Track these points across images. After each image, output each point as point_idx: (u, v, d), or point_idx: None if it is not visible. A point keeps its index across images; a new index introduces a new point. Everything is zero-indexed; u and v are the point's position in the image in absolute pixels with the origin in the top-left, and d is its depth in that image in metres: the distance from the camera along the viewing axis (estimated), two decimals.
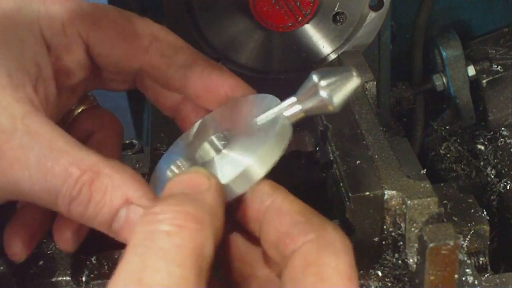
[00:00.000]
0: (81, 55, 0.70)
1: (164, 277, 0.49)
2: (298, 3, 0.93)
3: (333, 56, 1.00)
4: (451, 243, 0.61)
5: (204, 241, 0.52)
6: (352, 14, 0.96)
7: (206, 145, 0.66)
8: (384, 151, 0.73)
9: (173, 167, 0.63)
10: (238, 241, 0.62)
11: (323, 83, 0.59)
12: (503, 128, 1.13)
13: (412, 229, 0.67)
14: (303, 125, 0.91)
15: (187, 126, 0.73)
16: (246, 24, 0.96)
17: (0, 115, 0.59)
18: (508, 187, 1.07)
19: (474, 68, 1.13)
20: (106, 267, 0.77)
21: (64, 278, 0.75)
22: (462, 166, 1.14)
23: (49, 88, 0.67)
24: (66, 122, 0.78)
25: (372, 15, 0.96)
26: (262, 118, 0.63)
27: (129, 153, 1.06)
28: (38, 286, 0.74)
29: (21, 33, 0.65)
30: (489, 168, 1.11)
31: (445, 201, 0.81)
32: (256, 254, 0.61)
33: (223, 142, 0.66)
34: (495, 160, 1.10)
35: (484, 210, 0.81)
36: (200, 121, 0.71)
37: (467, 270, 0.70)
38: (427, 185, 0.67)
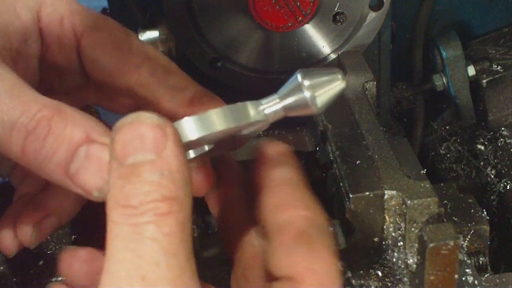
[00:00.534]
0: (71, 52, 0.69)
1: (165, 270, 0.48)
2: (298, 3, 0.93)
3: (333, 56, 1.00)
4: (451, 243, 0.61)
5: (186, 219, 0.50)
6: (352, 14, 0.96)
7: None
8: (384, 151, 0.73)
9: None
10: (239, 207, 0.63)
11: (306, 82, 0.57)
12: (503, 128, 1.13)
13: (412, 229, 0.67)
14: (303, 125, 0.91)
15: None
16: (246, 24, 0.96)
17: None
18: (508, 187, 1.07)
19: (474, 68, 1.13)
20: None
21: (64, 278, 0.75)
22: (462, 166, 1.14)
23: (30, 68, 0.66)
24: None
25: (372, 15, 0.96)
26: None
27: None
28: (38, 286, 0.75)
29: (18, 5, 0.65)
30: (489, 168, 1.11)
31: (445, 201, 0.81)
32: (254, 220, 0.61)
33: None
34: (495, 160, 1.10)
35: (484, 210, 0.81)
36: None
37: (467, 270, 0.70)
38: (427, 185, 0.67)
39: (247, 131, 0.60)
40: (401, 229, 0.68)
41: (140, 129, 0.51)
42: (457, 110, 1.16)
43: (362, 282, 0.70)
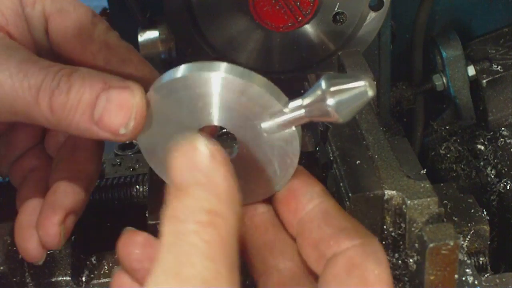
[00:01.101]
0: (42, 34, 0.72)
1: (199, 271, 0.50)
2: (298, 3, 0.93)
3: (333, 56, 1.00)
4: (451, 243, 0.61)
5: (229, 234, 0.53)
6: (352, 14, 0.96)
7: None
8: (384, 151, 0.73)
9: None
10: (269, 228, 0.64)
11: (331, 90, 0.55)
12: (503, 128, 1.13)
13: (412, 229, 0.67)
14: (303, 125, 0.91)
15: None
16: (246, 24, 0.96)
17: None
18: (508, 187, 1.07)
19: (474, 68, 1.13)
20: (106, 267, 0.77)
21: (64, 278, 0.75)
22: (462, 166, 1.14)
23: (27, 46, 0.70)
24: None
25: (372, 15, 0.96)
26: (268, 128, 0.61)
27: (129, 153, 1.06)
28: (38, 286, 0.74)
29: None
30: (489, 168, 1.11)
31: (445, 201, 0.81)
32: (284, 244, 0.62)
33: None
34: (495, 160, 1.10)
35: (484, 210, 0.81)
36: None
37: (467, 270, 0.70)
38: (427, 185, 0.67)
39: (269, 125, 0.61)
40: (401, 229, 0.68)
41: (194, 154, 0.56)
42: (457, 110, 1.16)
43: None
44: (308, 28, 0.97)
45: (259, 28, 0.96)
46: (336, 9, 0.95)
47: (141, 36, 1.00)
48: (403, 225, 0.68)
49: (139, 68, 0.72)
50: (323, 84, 0.56)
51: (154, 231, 0.74)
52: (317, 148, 0.83)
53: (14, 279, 0.74)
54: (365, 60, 0.90)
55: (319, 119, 0.59)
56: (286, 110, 0.61)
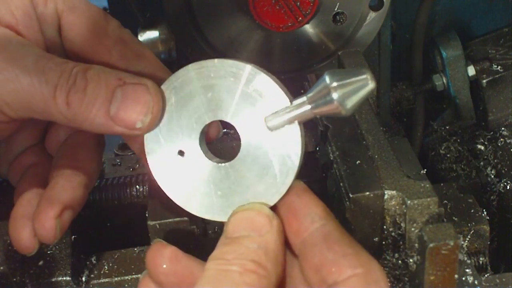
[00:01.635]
0: (54, 31, 0.73)
1: None
2: (298, 3, 0.93)
3: (333, 57, 1.00)
4: (451, 243, 0.61)
5: (268, 286, 0.58)
6: (352, 14, 0.96)
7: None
8: (384, 151, 0.73)
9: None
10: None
11: (335, 84, 0.58)
12: (503, 128, 1.13)
13: (412, 229, 0.67)
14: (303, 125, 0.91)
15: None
16: (246, 24, 0.96)
17: None
18: (508, 187, 1.06)
19: (474, 68, 1.13)
20: (106, 267, 0.77)
21: (64, 278, 0.75)
22: (462, 166, 1.14)
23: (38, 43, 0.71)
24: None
25: (372, 15, 0.96)
26: (272, 122, 0.63)
27: (129, 153, 1.06)
28: (38, 286, 0.74)
29: None
30: (489, 168, 1.11)
31: (445, 201, 0.81)
32: (295, 267, 0.63)
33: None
34: (495, 160, 1.10)
35: (484, 210, 0.81)
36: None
37: (467, 270, 0.70)
38: (427, 185, 0.67)
39: (273, 120, 0.63)
40: (401, 229, 0.68)
41: (251, 214, 0.62)
42: (457, 110, 1.16)
43: None
44: (308, 28, 0.97)
45: (259, 28, 0.96)
46: (336, 9, 0.95)
47: (141, 36, 1.00)
48: (403, 225, 0.68)
49: (152, 64, 0.73)
50: (327, 78, 0.59)
51: (154, 232, 0.74)
52: (317, 148, 0.83)
53: (14, 279, 0.74)
54: (365, 60, 0.90)
55: (324, 113, 0.61)
56: (291, 105, 0.63)
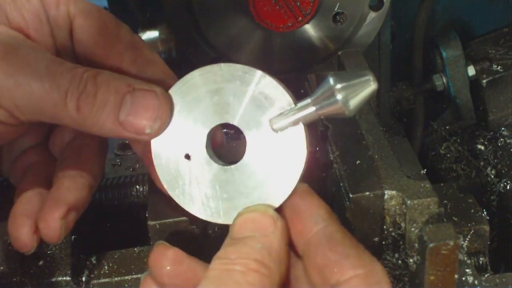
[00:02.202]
0: (65, 34, 0.73)
1: None
2: (298, 3, 0.93)
3: (333, 56, 1.00)
4: (451, 243, 0.61)
5: (271, 285, 0.58)
6: (352, 14, 0.96)
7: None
8: (384, 151, 0.73)
9: None
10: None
11: (339, 86, 0.60)
12: (503, 128, 1.13)
13: (412, 229, 0.67)
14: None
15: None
16: (246, 24, 0.96)
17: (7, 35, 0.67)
18: (508, 187, 1.06)
19: (474, 68, 1.13)
20: (106, 267, 0.77)
21: (64, 278, 0.75)
22: (462, 166, 1.14)
23: (47, 47, 0.72)
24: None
25: (372, 15, 0.96)
26: (278, 124, 0.65)
27: (129, 153, 1.06)
28: (38, 286, 0.74)
29: None
30: (489, 168, 1.11)
31: (445, 201, 0.81)
32: (299, 267, 0.64)
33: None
34: (495, 160, 1.10)
35: (484, 210, 0.81)
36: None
37: (467, 270, 0.70)
38: (427, 185, 0.67)
39: (278, 122, 0.65)
40: (401, 229, 0.68)
41: (256, 215, 0.63)
42: (457, 110, 1.16)
43: None
44: (308, 28, 0.97)
45: (259, 28, 0.96)
46: (336, 9, 0.95)
47: (141, 36, 1.00)
48: (403, 225, 0.68)
49: (161, 69, 0.74)
50: (331, 80, 0.61)
51: (154, 232, 0.74)
52: (317, 148, 0.83)
53: (14, 279, 0.74)
54: (365, 60, 0.90)
55: (328, 114, 0.62)
56: (295, 106, 0.64)
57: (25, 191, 0.73)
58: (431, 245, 0.61)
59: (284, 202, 0.65)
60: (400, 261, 0.69)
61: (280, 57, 1.00)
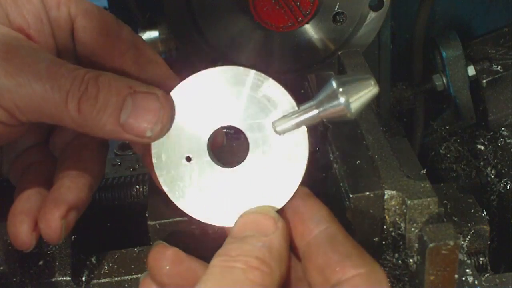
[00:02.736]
0: (66, 34, 0.73)
1: None
2: (298, 3, 0.93)
3: (333, 57, 1.00)
4: (451, 243, 0.61)
5: (272, 283, 0.59)
6: (352, 14, 0.96)
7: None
8: (384, 151, 0.73)
9: None
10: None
11: (342, 89, 0.61)
12: (503, 128, 1.13)
13: (412, 229, 0.67)
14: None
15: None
16: (246, 24, 0.96)
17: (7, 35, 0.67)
18: (508, 187, 1.07)
19: (474, 68, 1.13)
20: (106, 267, 0.77)
21: (64, 278, 0.75)
22: (462, 166, 1.14)
23: (48, 47, 0.72)
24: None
25: (372, 15, 0.96)
26: (281, 127, 0.66)
27: (129, 153, 1.06)
28: (38, 286, 0.74)
29: None
30: (489, 168, 1.11)
31: (445, 201, 0.81)
32: (298, 270, 0.64)
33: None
34: (495, 160, 1.10)
35: (484, 210, 0.81)
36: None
37: (467, 270, 0.70)
38: (427, 185, 0.67)
39: (281, 124, 0.66)
40: (401, 229, 0.68)
41: (257, 216, 0.64)
42: (457, 110, 1.16)
43: None
44: (308, 28, 0.97)
45: (259, 28, 0.96)
46: (336, 9, 0.95)
47: (141, 36, 1.00)
48: (403, 225, 0.68)
49: (163, 70, 0.74)
50: (334, 83, 0.62)
51: (154, 232, 0.74)
52: (317, 148, 0.83)
53: (14, 279, 0.74)
54: (365, 60, 0.90)
55: (330, 117, 0.63)
56: (298, 109, 0.65)
57: (24, 190, 0.73)
58: (431, 245, 0.61)
59: (285, 204, 0.65)
60: (400, 261, 0.69)
61: (280, 57, 1.00)
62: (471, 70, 1.13)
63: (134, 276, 0.76)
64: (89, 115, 0.64)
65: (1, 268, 0.73)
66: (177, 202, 0.68)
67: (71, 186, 0.72)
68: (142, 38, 0.76)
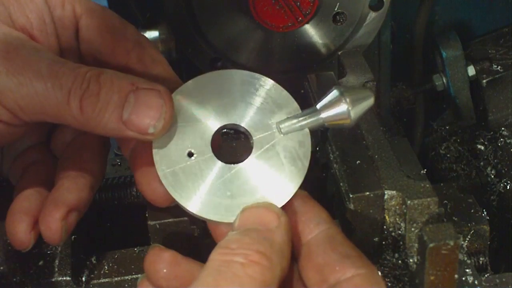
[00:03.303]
0: (71, 33, 0.73)
1: None
2: (298, 3, 0.93)
3: (333, 56, 1.00)
4: (451, 243, 0.61)
5: (272, 278, 0.58)
6: (352, 14, 0.96)
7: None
8: (384, 151, 0.73)
9: None
10: None
11: (346, 97, 0.65)
12: (503, 128, 1.13)
13: (412, 229, 0.67)
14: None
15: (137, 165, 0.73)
16: (246, 24, 0.96)
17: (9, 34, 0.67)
18: (508, 187, 1.06)
19: (474, 68, 1.13)
20: (106, 267, 0.77)
21: (64, 278, 0.75)
22: (462, 166, 1.13)
23: (51, 47, 0.72)
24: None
25: (372, 15, 0.96)
26: (285, 128, 0.68)
27: None
28: (38, 286, 0.74)
29: None
30: (489, 168, 1.11)
31: (445, 201, 0.81)
32: (293, 272, 0.64)
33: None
34: (495, 160, 1.10)
35: (484, 210, 0.81)
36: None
37: (467, 270, 0.70)
38: (427, 185, 0.67)
39: (285, 125, 0.68)
40: (401, 229, 0.68)
41: (259, 210, 0.63)
42: (457, 110, 1.16)
43: None
44: (308, 28, 0.97)
45: (259, 28, 0.96)
46: (336, 9, 0.95)
47: None
48: (403, 225, 0.68)
49: (166, 69, 0.75)
50: (338, 91, 0.66)
51: (154, 232, 0.74)
52: (317, 148, 0.83)
53: (14, 279, 0.74)
54: (365, 60, 0.90)
55: (332, 122, 0.67)
56: (303, 112, 0.68)
57: (24, 189, 0.73)
58: (431, 245, 0.61)
59: (286, 204, 0.66)
60: (400, 261, 0.69)
61: (280, 57, 1.00)
62: (471, 70, 1.13)
63: (134, 276, 0.76)
64: (91, 113, 0.64)
65: (1, 268, 0.73)
66: (176, 197, 0.67)
67: (71, 186, 0.71)
68: (146, 37, 0.76)
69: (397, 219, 0.68)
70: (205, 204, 0.67)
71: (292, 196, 0.66)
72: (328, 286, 0.58)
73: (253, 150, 0.68)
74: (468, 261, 0.71)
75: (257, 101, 0.69)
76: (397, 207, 0.68)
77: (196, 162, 0.67)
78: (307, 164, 0.67)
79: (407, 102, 1.20)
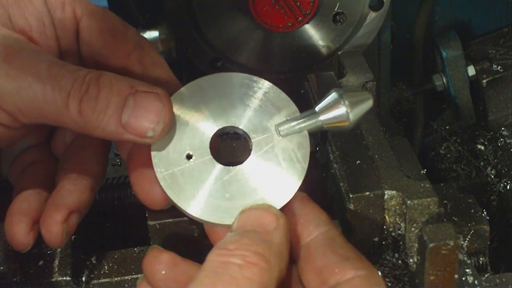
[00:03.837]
0: (71, 35, 0.73)
1: None
2: (298, 3, 0.93)
3: (333, 56, 1.00)
4: (451, 243, 0.61)
5: (270, 280, 0.57)
6: (352, 14, 0.96)
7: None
8: (384, 151, 0.73)
9: None
10: None
11: (344, 100, 0.65)
12: (503, 128, 1.13)
13: (412, 229, 0.67)
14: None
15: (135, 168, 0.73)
16: (246, 24, 0.96)
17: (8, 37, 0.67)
18: (508, 187, 1.06)
19: (474, 68, 1.13)
20: (106, 267, 0.77)
21: (64, 278, 0.75)
22: (462, 166, 1.13)
23: (50, 49, 0.72)
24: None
25: (372, 15, 0.96)
26: (284, 130, 0.68)
27: None
28: (38, 286, 0.74)
29: None
30: (489, 168, 1.11)
31: (445, 201, 0.81)
32: (291, 274, 0.64)
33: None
34: (495, 160, 1.10)
35: (484, 210, 0.81)
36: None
37: (467, 270, 0.70)
38: (427, 185, 0.67)
39: (284, 127, 0.68)
40: (401, 229, 0.68)
41: (258, 212, 0.63)
42: (457, 110, 1.16)
43: None
44: (308, 28, 0.97)
45: (259, 28, 0.96)
46: (336, 9, 0.95)
47: None
48: (403, 225, 0.68)
49: (166, 72, 0.74)
50: (337, 94, 0.66)
51: (154, 232, 0.74)
52: (317, 148, 0.83)
53: (14, 279, 0.74)
54: (365, 60, 0.90)
55: (331, 125, 0.67)
56: (301, 115, 0.68)
57: (23, 190, 0.73)
58: (431, 245, 0.61)
59: (285, 206, 0.66)
60: (400, 261, 0.69)
61: (280, 57, 1.00)
62: (471, 70, 1.13)
63: (134, 276, 0.76)
64: (90, 116, 0.64)
65: (1, 268, 0.73)
66: (175, 199, 0.67)
67: (71, 188, 0.71)
68: (147, 40, 0.76)
69: (397, 219, 0.68)
70: (204, 206, 0.66)
71: (291, 198, 0.66)
72: None
73: (252, 152, 0.68)
74: (468, 261, 0.71)
75: (256, 103, 0.69)
76: (397, 207, 0.68)
77: (194, 164, 0.67)
78: (306, 166, 0.67)
79: (407, 102, 1.20)
